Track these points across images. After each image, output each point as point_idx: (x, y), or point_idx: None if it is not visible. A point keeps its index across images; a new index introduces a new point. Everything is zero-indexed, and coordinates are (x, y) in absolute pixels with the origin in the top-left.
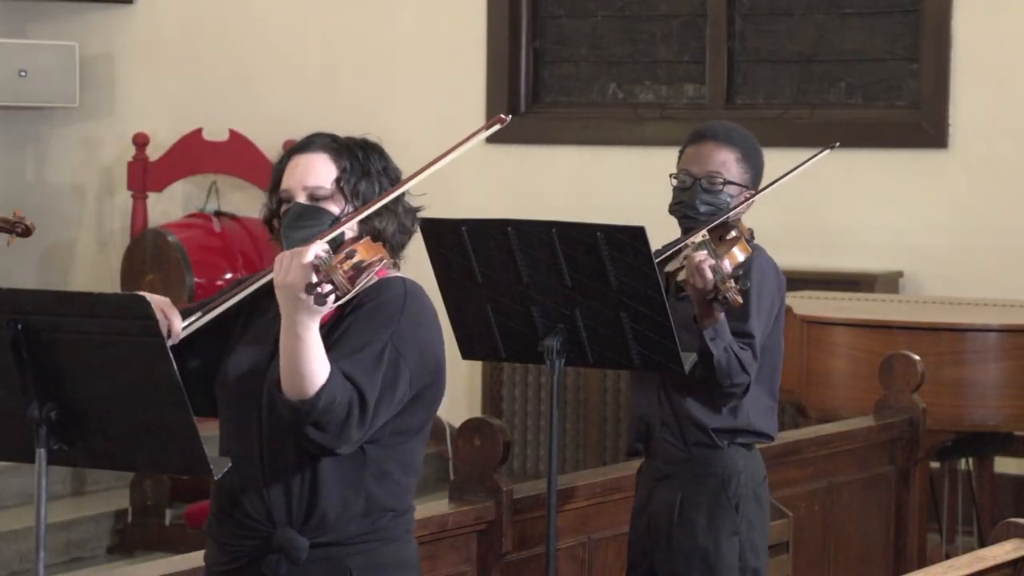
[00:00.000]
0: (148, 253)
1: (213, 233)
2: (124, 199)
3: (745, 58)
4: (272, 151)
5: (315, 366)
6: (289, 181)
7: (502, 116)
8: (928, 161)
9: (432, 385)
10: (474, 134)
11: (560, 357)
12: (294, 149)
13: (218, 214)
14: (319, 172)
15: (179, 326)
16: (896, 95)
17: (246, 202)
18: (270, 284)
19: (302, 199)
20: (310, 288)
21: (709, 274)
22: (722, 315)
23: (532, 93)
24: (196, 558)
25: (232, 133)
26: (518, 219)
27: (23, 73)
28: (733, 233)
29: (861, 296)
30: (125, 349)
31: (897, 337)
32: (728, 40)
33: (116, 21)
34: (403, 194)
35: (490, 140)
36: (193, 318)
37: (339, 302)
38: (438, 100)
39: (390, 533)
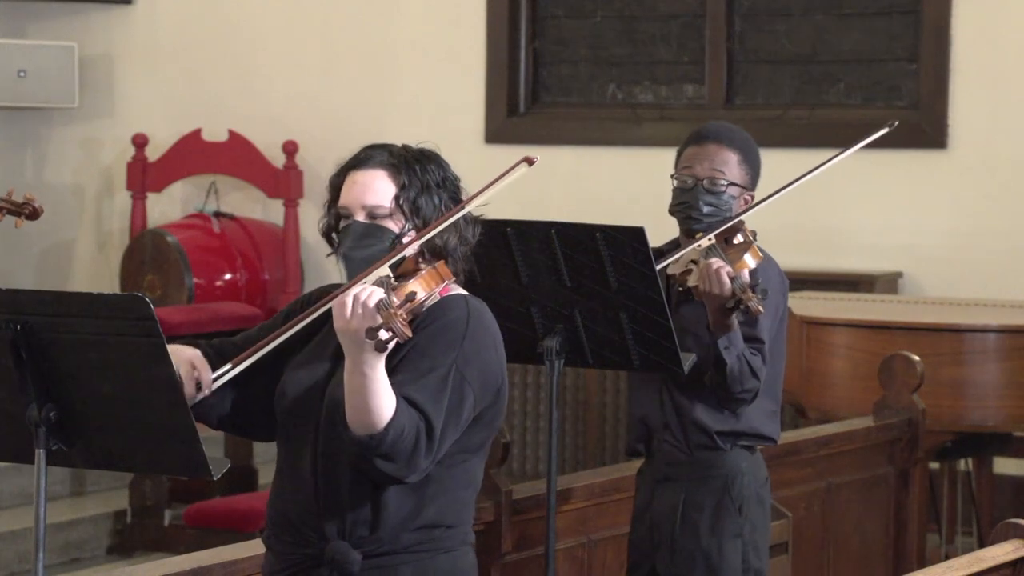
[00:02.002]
0: (147, 254)
1: (212, 234)
2: (123, 200)
3: (744, 58)
4: (271, 151)
5: (382, 401)
6: (347, 198)
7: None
8: (927, 161)
9: (494, 404)
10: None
11: (559, 358)
12: (351, 164)
13: (217, 215)
14: (377, 190)
15: (209, 378)
16: (895, 96)
17: (245, 203)
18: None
19: (361, 217)
20: (371, 333)
21: (727, 281)
22: (736, 324)
23: (531, 93)
24: (195, 558)
25: (231, 133)
26: (517, 219)
27: (22, 73)
28: (740, 237)
29: (860, 297)
30: (124, 350)
31: (896, 337)
32: (727, 41)
33: (115, 21)
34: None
35: (489, 140)
36: (224, 369)
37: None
38: (438, 100)
39: (443, 544)
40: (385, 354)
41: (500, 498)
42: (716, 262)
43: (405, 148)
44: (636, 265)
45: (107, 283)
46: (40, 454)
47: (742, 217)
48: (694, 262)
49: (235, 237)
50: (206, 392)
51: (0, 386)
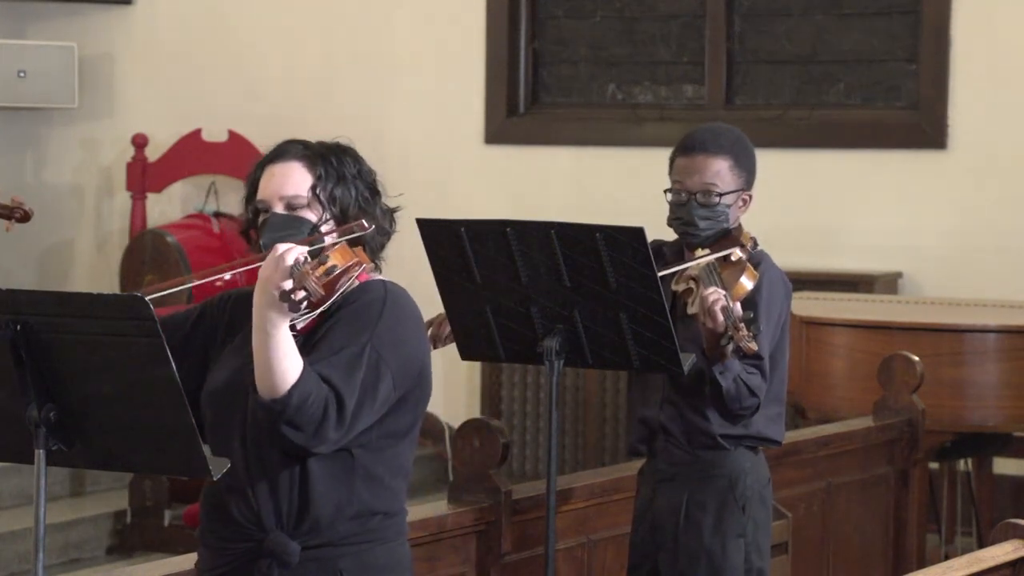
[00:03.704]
0: (147, 254)
1: (212, 234)
2: (123, 200)
3: (744, 59)
4: None
5: (286, 364)
6: (265, 192)
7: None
8: (927, 162)
9: (417, 387)
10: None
11: (559, 358)
12: (268, 159)
13: (217, 215)
14: (295, 181)
15: None
16: (895, 96)
17: None
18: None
19: (279, 209)
20: (284, 295)
21: (721, 317)
22: (731, 351)
23: (531, 93)
24: (195, 558)
25: (231, 134)
26: (517, 220)
27: (22, 74)
28: (738, 253)
29: (860, 297)
30: (124, 350)
31: (896, 338)
32: (727, 41)
33: (115, 22)
34: (379, 196)
35: (488, 141)
36: None
37: (317, 310)
38: (438, 101)
39: (381, 535)
40: (290, 317)
41: (500, 498)
42: (712, 295)
43: (322, 142)
44: (636, 265)
45: (107, 283)
46: (40, 454)
47: (742, 225)
48: (694, 280)
49: (235, 237)
50: None
51: (0, 386)
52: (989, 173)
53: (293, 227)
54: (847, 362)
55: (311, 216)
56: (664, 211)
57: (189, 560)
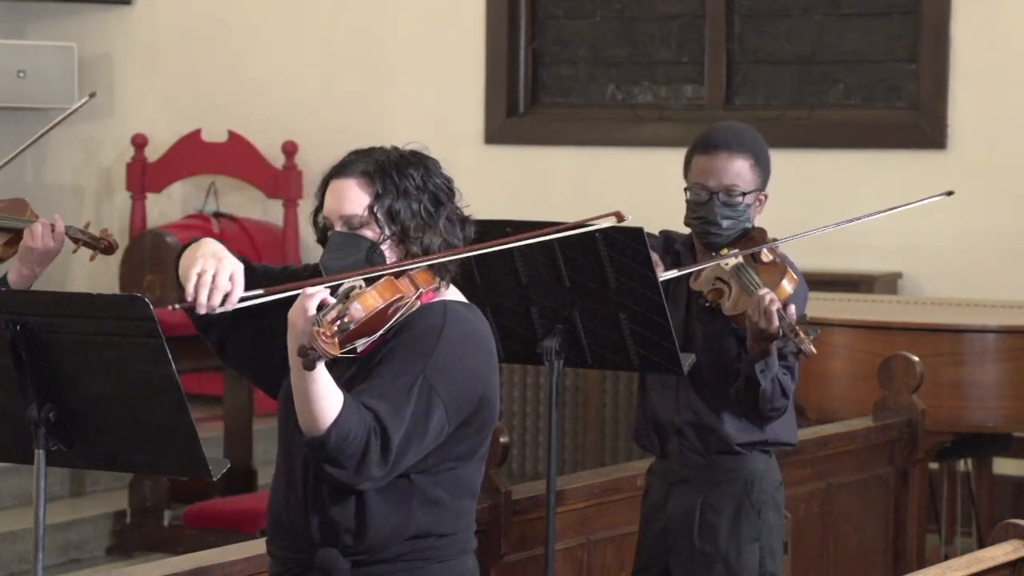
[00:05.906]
0: (147, 254)
1: (211, 234)
2: (123, 200)
3: (744, 59)
4: (271, 152)
5: (324, 403)
6: (327, 208)
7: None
8: (927, 162)
9: (479, 412)
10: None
11: (559, 358)
12: (332, 172)
13: (217, 215)
14: (352, 199)
15: (236, 296)
16: (895, 96)
17: (245, 203)
18: None
19: (339, 227)
20: (302, 351)
21: (776, 321)
22: (775, 349)
23: (531, 94)
24: (195, 559)
25: (231, 134)
26: (517, 220)
27: (22, 74)
28: (768, 256)
29: (860, 297)
30: (124, 350)
31: (896, 338)
32: (727, 41)
33: (114, 22)
34: (445, 207)
35: (488, 141)
36: (255, 293)
37: (375, 335)
38: (437, 101)
39: (438, 553)
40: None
41: (500, 498)
42: (767, 295)
43: (388, 153)
44: (635, 266)
45: (106, 283)
46: (40, 454)
47: (764, 228)
48: (720, 279)
49: (234, 238)
50: (227, 308)
51: (0, 386)
52: (989, 173)
53: (352, 247)
54: (847, 362)
55: (370, 234)
56: (666, 210)
57: (189, 560)
